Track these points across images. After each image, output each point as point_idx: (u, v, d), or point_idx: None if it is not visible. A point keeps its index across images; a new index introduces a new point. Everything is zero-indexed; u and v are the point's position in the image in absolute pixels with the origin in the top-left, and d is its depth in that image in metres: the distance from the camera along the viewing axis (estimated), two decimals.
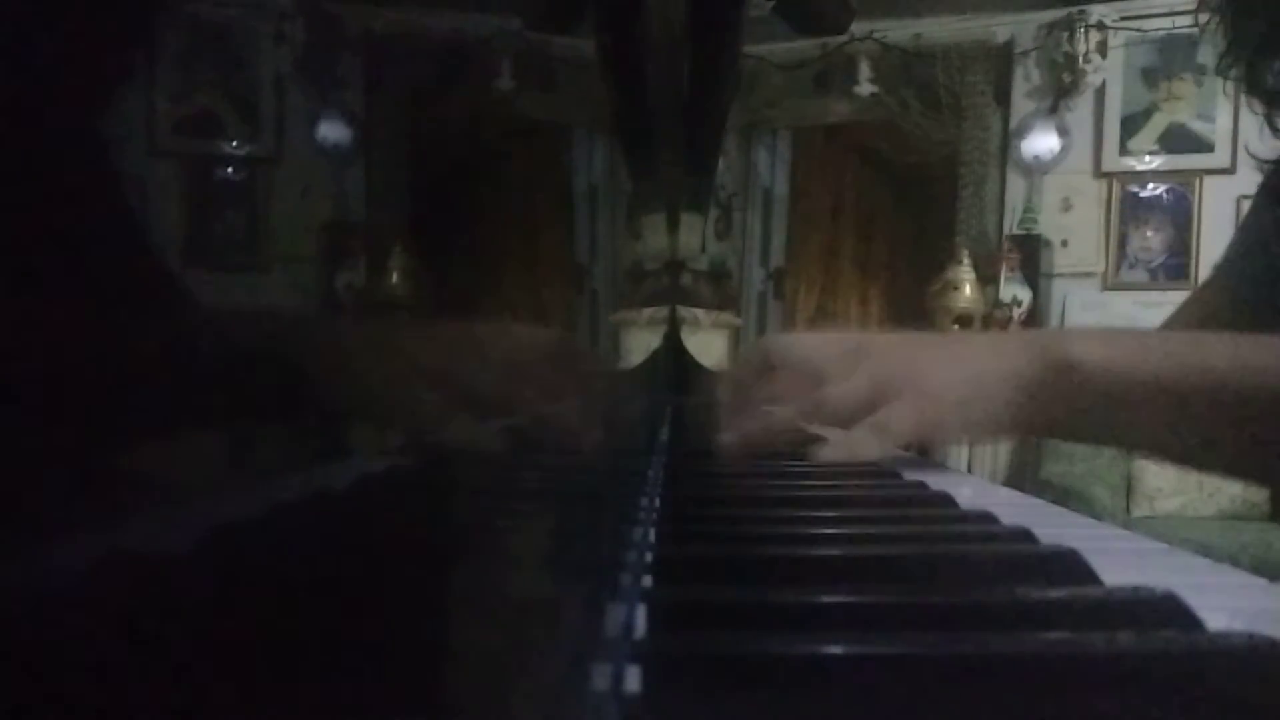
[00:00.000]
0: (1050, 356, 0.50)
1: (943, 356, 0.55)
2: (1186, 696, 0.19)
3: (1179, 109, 3.66)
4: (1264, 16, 0.64)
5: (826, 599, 0.24)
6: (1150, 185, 3.73)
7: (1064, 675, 0.19)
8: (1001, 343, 0.57)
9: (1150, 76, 3.67)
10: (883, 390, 0.53)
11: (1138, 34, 3.64)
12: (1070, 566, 0.28)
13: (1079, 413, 0.50)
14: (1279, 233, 0.66)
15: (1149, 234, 3.73)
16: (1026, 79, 3.80)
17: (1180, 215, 3.70)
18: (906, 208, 4.24)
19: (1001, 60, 3.79)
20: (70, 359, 0.11)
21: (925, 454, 0.61)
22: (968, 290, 3.66)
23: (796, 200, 4.41)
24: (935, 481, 0.48)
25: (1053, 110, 3.73)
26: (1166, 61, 3.64)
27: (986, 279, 3.70)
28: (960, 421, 0.52)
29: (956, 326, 3.54)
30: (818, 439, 0.57)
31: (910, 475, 0.51)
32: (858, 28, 3.62)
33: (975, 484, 0.59)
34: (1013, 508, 0.41)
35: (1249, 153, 0.72)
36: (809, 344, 0.61)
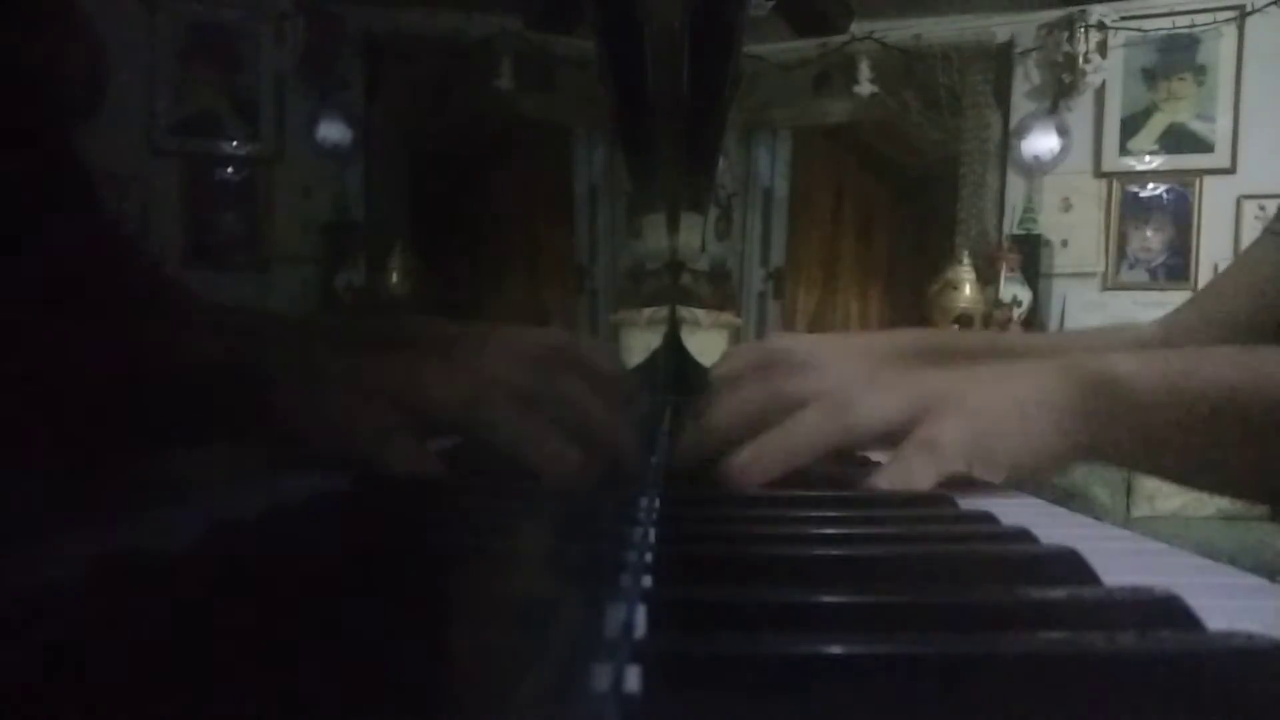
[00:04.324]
0: (1090, 375, 0.48)
1: (981, 378, 0.50)
2: (1186, 696, 0.19)
3: (1179, 109, 3.66)
4: None
5: (826, 599, 0.24)
6: (1150, 185, 3.73)
7: (1064, 675, 0.19)
8: (1035, 367, 0.52)
9: (1150, 76, 3.67)
10: (923, 407, 0.48)
11: (1138, 34, 3.64)
12: (1070, 566, 0.28)
13: (1128, 431, 0.48)
14: None
15: (1149, 234, 3.73)
16: (1026, 79, 3.80)
17: (1180, 215, 3.69)
18: (906, 208, 4.24)
19: (1001, 60, 3.79)
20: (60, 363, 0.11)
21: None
22: (967, 290, 3.66)
23: (796, 200, 4.41)
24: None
25: (1053, 110, 3.73)
26: (1166, 61, 3.64)
27: (986, 279, 3.70)
28: (1016, 444, 0.47)
29: (956, 326, 3.54)
30: (858, 462, 0.51)
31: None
32: (858, 28, 3.62)
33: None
34: (1014, 507, 0.41)
35: None
36: (813, 346, 0.56)
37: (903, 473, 0.46)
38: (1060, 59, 3.65)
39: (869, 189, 4.36)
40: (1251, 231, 3.58)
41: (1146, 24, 3.63)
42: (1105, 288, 3.74)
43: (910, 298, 3.97)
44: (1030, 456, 0.48)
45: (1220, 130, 3.59)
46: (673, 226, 1.32)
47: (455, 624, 0.16)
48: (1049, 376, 0.49)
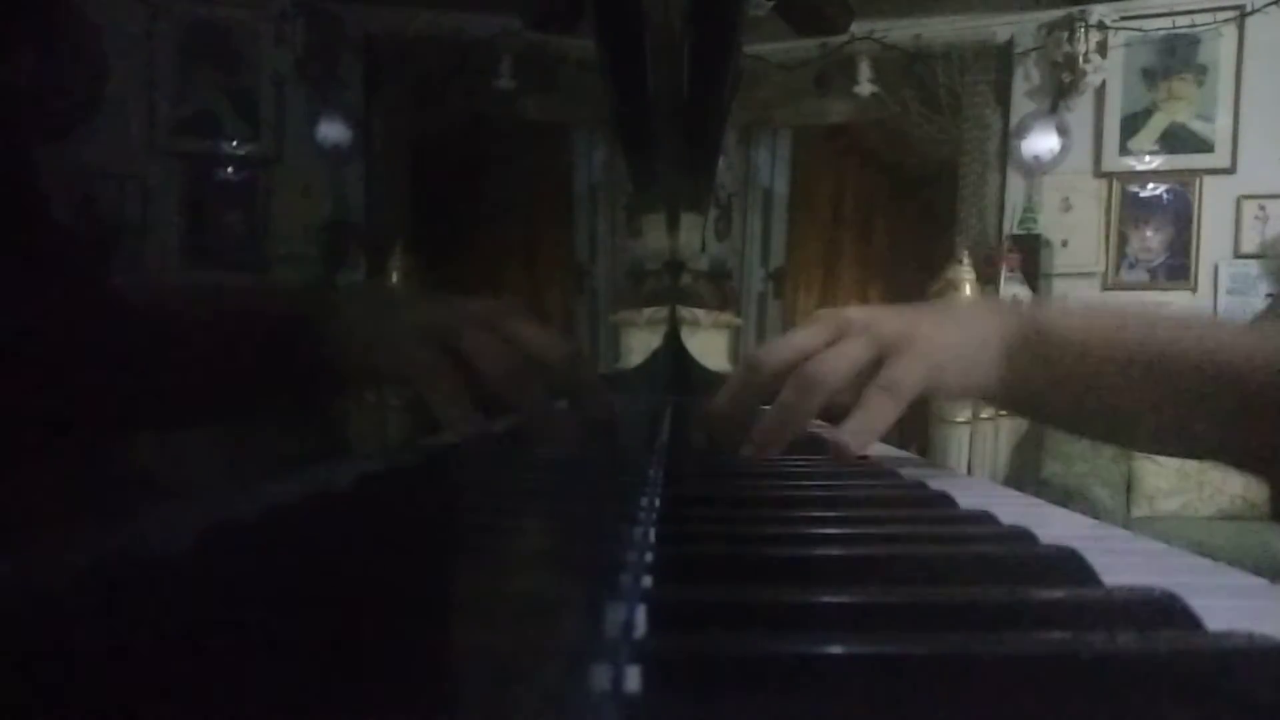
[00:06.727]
0: (1027, 321, 0.56)
1: (933, 319, 0.58)
2: (1186, 696, 0.19)
3: (1179, 109, 3.65)
4: None
5: (826, 599, 0.24)
6: (1150, 185, 3.73)
7: (1064, 675, 0.19)
8: (987, 309, 0.61)
9: (1150, 76, 3.67)
10: (881, 348, 0.54)
11: (1138, 34, 3.64)
12: (1070, 566, 0.28)
13: (1050, 380, 0.55)
14: None
15: (1149, 234, 3.73)
16: (1026, 79, 3.79)
17: (1180, 215, 3.69)
18: (906, 208, 4.24)
19: (1001, 60, 3.79)
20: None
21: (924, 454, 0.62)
22: (968, 290, 3.66)
23: (796, 200, 4.41)
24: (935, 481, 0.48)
25: (1053, 110, 3.73)
26: (1166, 61, 3.64)
27: (986, 279, 3.70)
28: (960, 375, 0.55)
29: None
30: (830, 434, 0.56)
31: (909, 474, 0.51)
32: (858, 28, 3.62)
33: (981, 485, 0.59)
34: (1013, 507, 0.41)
35: None
36: (789, 339, 0.60)
37: (866, 417, 0.53)
38: (1060, 59, 3.65)
39: (869, 189, 4.36)
40: (1251, 231, 3.58)
41: (1146, 24, 3.63)
42: (1105, 288, 3.74)
43: (910, 297, 3.96)
44: (974, 389, 0.56)
45: (1220, 130, 3.59)
46: (673, 226, 1.32)
47: (454, 624, 0.16)
48: (989, 319, 0.57)
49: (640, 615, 0.23)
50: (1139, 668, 0.19)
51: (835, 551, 0.31)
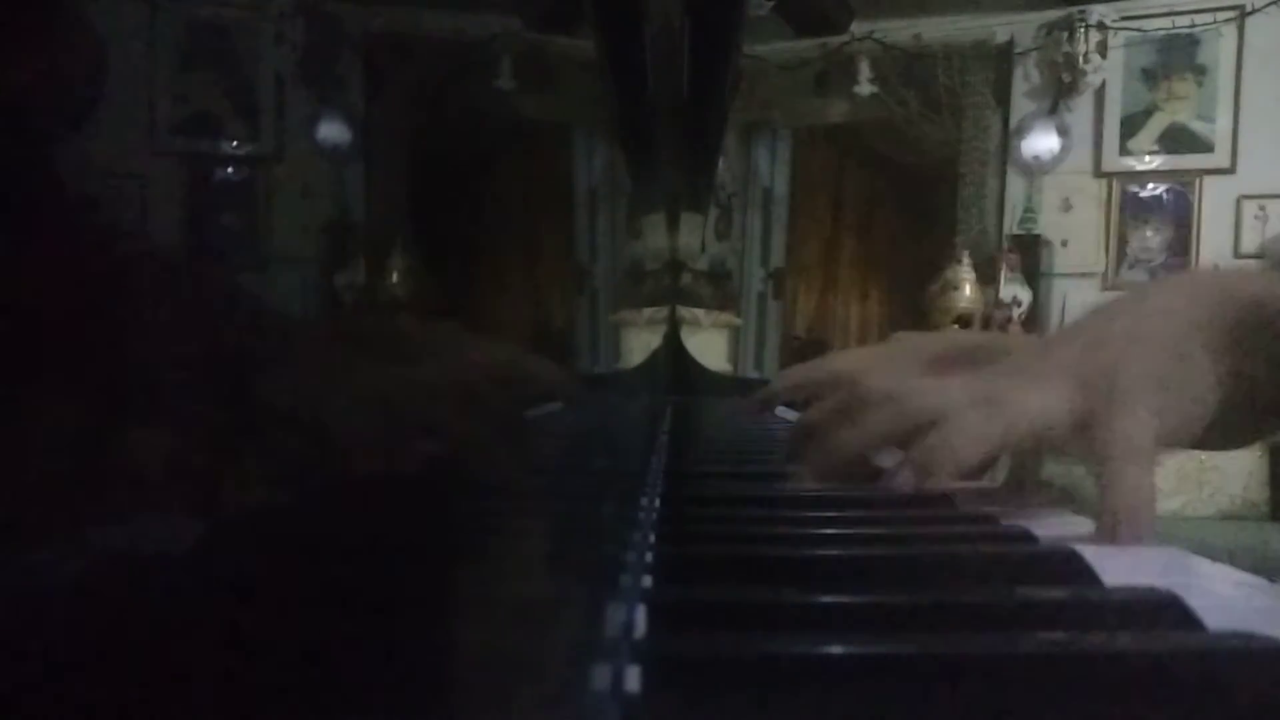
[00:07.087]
0: (1235, 295, 0.42)
1: (1103, 317, 0.44)
2: (1186, 696, 0.19)
3: (1179, 109, 3.66)
4: None
5: (826, 599, 0.24)
6: (1150, 185, 3.73)
7: (1064, 675, 0.19)
8: (1170, 289, 0.46)
9: (1150, 76, 3.67)
10: (1088, 390, 0.41)
11: (1138, 34, 3.64)
12: (1070, 566, 0.28)
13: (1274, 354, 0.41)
14: None
15: (1149, 234, 3.73)
16: (1026, 79, 3.80)
17: (1180, 215, 3.69)
18: (906, 208, 4.24)
19: (1001, 60, 3.79)
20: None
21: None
22: (967, 290, 3.67)
23: (796, 200, 4.41)
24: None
25: (1053, 110, 3.73)
26: (1166, 61, 3.64)
27: (986, 279, 3.70)
28: (1161, 379, 0.40)
29: (956, 326, 3.54)
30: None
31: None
32: (858, 28, 3.62)
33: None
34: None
35: None
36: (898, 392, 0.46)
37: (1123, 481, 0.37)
38: (1060, 59, 3.65)
39: (869, 189, 4.36)
40: (1251, 231, 3.58)
41: (1146, 24, 3.63)
42: (1105, 288, 3.74)
43: (910, 298, 3.97)
44: (1186, 395, 0.40)
45: (1220, 130, 3.59)
46: (673, 226, 1.32)
47: (454, 625, 0.16)
48: (1193, 303, 0.42)
49: (640, 615, 0.23)
50: (1139, 668, 0.19)
51: (836, 552, 0.31)
